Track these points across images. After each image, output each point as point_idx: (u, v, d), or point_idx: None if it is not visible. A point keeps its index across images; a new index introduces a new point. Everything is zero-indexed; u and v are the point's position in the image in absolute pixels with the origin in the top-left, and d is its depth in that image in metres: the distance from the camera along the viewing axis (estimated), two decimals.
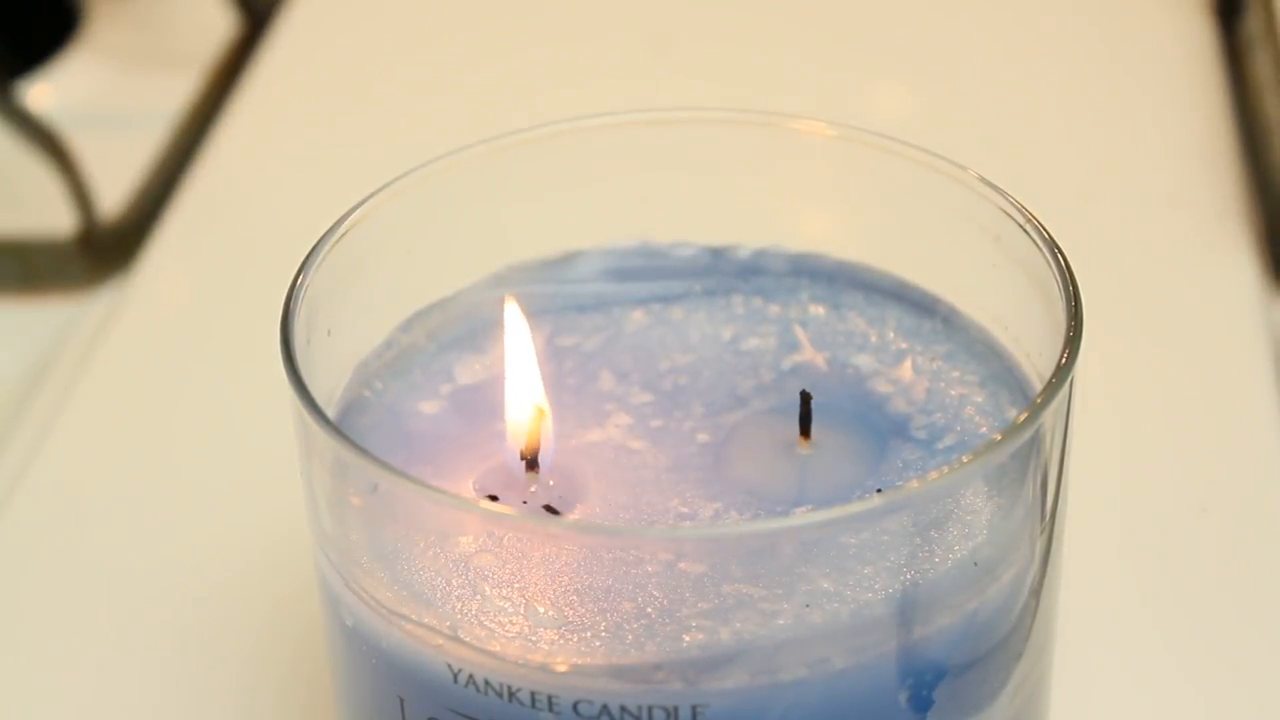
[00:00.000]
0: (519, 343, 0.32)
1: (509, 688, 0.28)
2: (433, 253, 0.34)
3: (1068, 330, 0.29)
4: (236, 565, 0.41)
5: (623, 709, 0.27)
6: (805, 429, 0.31)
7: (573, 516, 0.30)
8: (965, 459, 0.28)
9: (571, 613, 0.28)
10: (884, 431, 0.32)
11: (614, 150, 0.34)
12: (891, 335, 0.34)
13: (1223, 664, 0.38)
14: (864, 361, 0.33)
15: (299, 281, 0.31)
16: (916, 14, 0.60)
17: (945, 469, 0.27)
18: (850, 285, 0.35)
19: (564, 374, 0.33)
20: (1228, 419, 0.44)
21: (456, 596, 0.28)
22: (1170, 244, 0.50)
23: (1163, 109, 0.55)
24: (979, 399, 0.32)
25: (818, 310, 0.34)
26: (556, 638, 0.28)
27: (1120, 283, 0.48)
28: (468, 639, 0.28)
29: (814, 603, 0.28)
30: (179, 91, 0.56)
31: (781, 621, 0.28)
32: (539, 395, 0.31)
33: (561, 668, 0.28)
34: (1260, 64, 0.55)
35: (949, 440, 0.32)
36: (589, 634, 0.28)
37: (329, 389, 0.32)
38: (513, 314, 0.32)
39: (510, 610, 0.28)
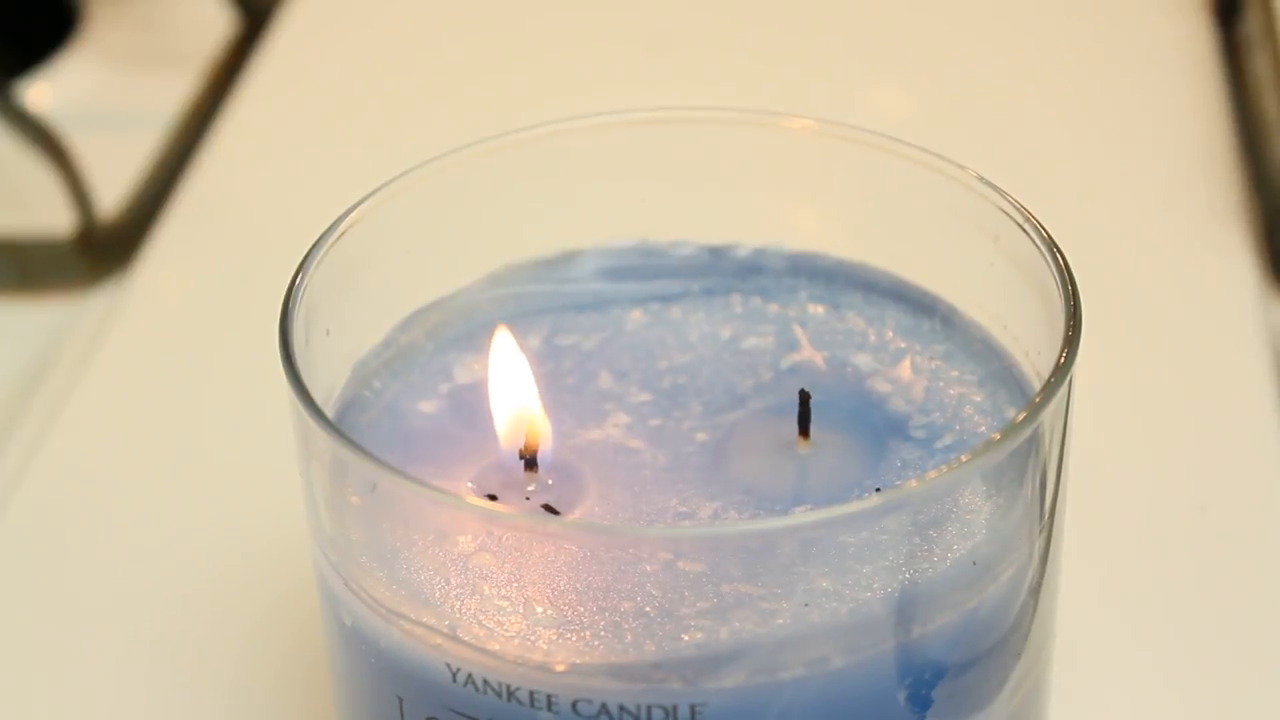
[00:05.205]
0: (509, 363, 0.32)
1: (508, 687, 0.28)
2: (431, 252, 0.34)
3: (1066, 329, 0.29)
4: (235, 565, 0.41)
5: (621, 708, 0.27)
6: (804, 428, 0.31)
7: (572, 516, 0.30)
8: (964, 458, 0.28)
9: (570, 612, 0.28)
10: (883, 431, 0.32)
11: (613, 150, 0.34)
12: (890, 334, 0.34)
13: (1222, 663, 0.38)
14: (863, 361, 0.33)
15: (297, 281, 0.31)
16: (916, 14, 0.60)
17: (944, 468, 0.27)
18: (849, 284, 0.35)
19: (563, 373, 0.33)
20: (1227, 418, 0.44)
21: (455, 596, 0.28)
22: (1169, 243, 0.50)
23: (1162, 108, 0.55)
24: (978, 398, 0.32)
25: (816, 309, 0.34)
26: (555, 637, 0.28)
27: (1119, 282, 0.48)
28: (466, 638, 0.28)
29: (813, 602, 0.28)
30: (178, 91, 0.56)
31: (780, 621, 0.28)
32: (534, 402, 0.31)
33: (560, 667, 0.28)
34: (1259, 63, 0.55)
35: (948, 439, 0.32)
36: (588, 633, 0.28)
37: (328, 388, 0.32)
38: (503, 338, 0.32)
39: (509, 609, 0.28)
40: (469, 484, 0.31)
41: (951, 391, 0.32)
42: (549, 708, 0.28)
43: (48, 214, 0.50)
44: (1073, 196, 0.51)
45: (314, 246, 0.31)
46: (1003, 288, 0.32)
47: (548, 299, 0.35)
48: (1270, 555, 0.41)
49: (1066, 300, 0.30)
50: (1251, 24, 0.57)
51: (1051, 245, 0.31)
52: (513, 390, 0.31)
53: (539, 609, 0.28)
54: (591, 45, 0.59)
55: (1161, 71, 0.56)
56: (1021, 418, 0.28)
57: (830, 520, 0.27)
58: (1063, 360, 0.29)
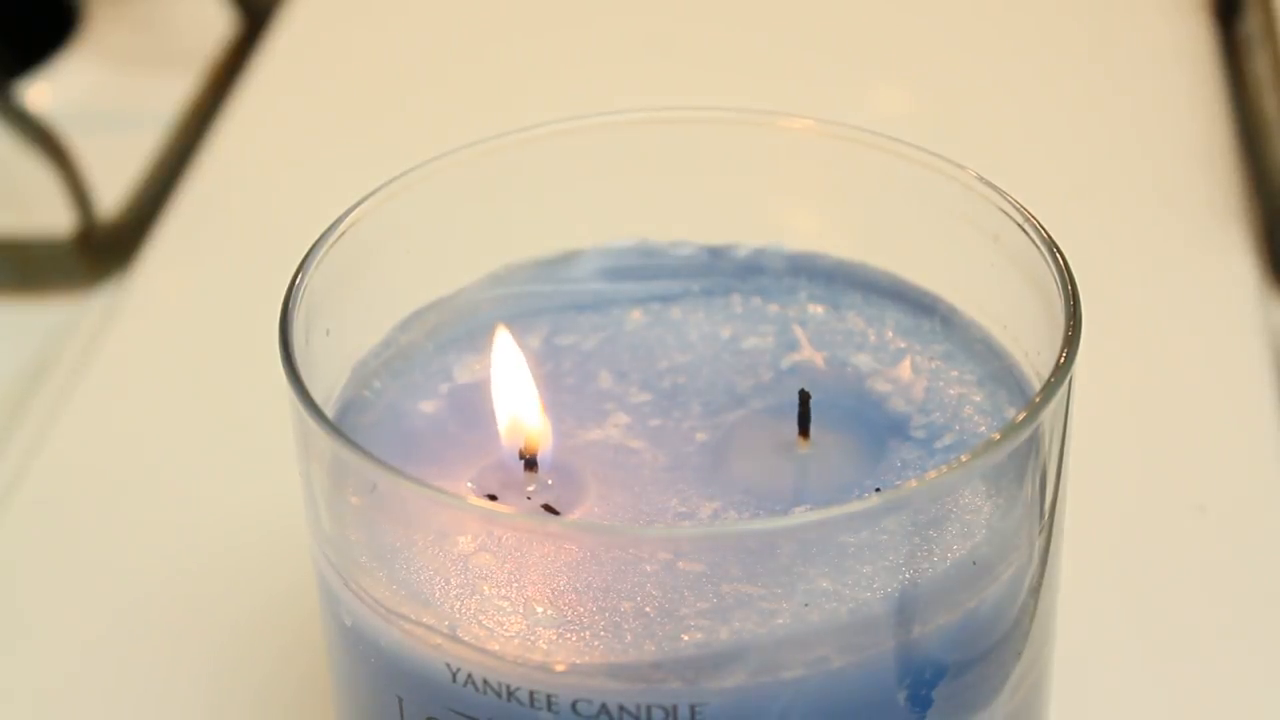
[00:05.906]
0: (510, 360, 0.32)
1: (508, 687, 0.28)
2: (431, 252, 0.34)
3: (1066, 329, 0.29)
4: (235, 565, 0.41)
5: (621, 708, 0.27)
6: (804, 428, 0.31)
7: (571, 516, 0.30)
8: (964, 458, 0.27)
9: (570, 612, 0.28)
10: (882, 431, 0.32)
11: (613, 150, 0.34)
12: (890, 334, 0.34)
13: (1221, 662, 0.38)
14: (863, 361, 0.33)
15: (297, 281, 0.31)
16: (916, 14, 0.60)
17: (944, 468, 0.27)
18: (849, 284, 0.35)
19: (562, 373, 0.33)
20: (1226, 418, 0.44)
21: (455, 596, 0.28)
22: (1169, 243, 0.50)
23: (1161, 108, 0.55)
24: (977, 398, 0.32)
25: (816, 309, 0.34)
26: (555, 637, 0.28)
27: (1119, 282, 0.48)
28: (466, 638, 0.28)
29: (813, 602, 0.28)
30: (178, 91, 0.56)
31: (780, 620, 0.28)
32: (534, 403, 0.31)
33: (560, 667, 0.28)
34: (1259, 63, 0.55)
35: (947, 439, 0.32)
36: (588, 633, 0.28)
37: (328, 388, 0.32)
38: (503, 338, 0.32)
39: (509, 609, 0.28)
40: (469, 484, 0.31)
41: (951, 391, 0.32)
42: (549, 708, 0.28)
43: (48, 214, 0.50)
44: (1073, 196, 0.51)
45: (314, 246, 0.31)
46: (1003, 288, 0.32)
47: (548, 299, 0.35)
48: (1270, 555, 0.41)
49: (1066, 300, 0.30)
50: (1251, 24, 0.57)
51: (1051, 245, 0.31)
52: (513, 390, 0.31)
53: (539, 609, 0.28)
54: (591, 45, 0.59)
55: (1161, 71, 0.56)
56: (1021, 418, 0.28)
57: (830, 520, 0.27)
58: (1063, 360, 0.29)
